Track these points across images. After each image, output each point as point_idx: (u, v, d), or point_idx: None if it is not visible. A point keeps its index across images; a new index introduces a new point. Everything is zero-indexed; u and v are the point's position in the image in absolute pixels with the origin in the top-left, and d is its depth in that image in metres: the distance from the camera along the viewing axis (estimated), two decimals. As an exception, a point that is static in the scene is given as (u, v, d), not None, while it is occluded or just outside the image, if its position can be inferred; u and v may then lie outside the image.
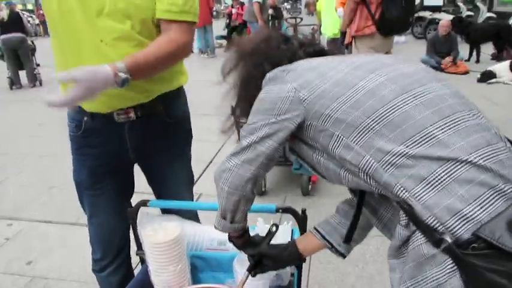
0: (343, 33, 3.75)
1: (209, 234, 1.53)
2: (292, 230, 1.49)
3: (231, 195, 1.13)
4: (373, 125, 0.96)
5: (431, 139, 0.91)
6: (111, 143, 1.59)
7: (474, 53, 8.88)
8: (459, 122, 0.93)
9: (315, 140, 1.06)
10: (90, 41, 1.42)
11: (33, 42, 8.59)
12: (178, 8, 1.45)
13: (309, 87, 1.05)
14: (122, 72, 1.29)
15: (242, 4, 12.83)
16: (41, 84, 8.63)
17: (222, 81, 1.28)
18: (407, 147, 0.91)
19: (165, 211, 1.67)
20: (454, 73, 7.45)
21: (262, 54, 1.22)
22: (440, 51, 7.87)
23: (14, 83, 8.52)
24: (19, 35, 8.16)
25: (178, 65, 1.61)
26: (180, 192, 1.75)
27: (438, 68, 7.65)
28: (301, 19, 7.46)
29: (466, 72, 7.46)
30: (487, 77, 6.91)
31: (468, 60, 8.60)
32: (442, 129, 0.92)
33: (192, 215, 1.72)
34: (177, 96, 1.67)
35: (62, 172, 4.01)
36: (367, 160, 0.95)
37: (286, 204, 1.46)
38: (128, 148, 1.60)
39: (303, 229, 1.40)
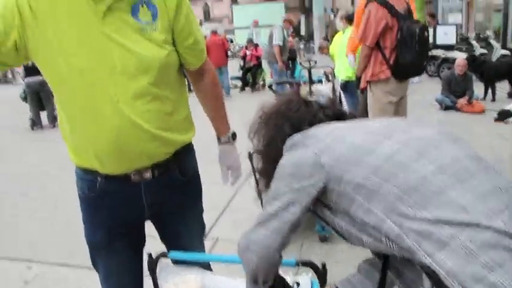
0: (358, 78, 3.79)
1: (229, 286, 1.54)
2: (311, 282, 1.49)
3: (261, 264, 1.14)
4: (393, 190, 0.97)
5: (450, 204, 0.92)
6: (126, 203, 1.58)
7: (490, 91, 8.87)
8: (477, 186, 0.94)
9: (337, 204, 1.08)
10: (104, 100, 1.40)
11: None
12: (203, 53, 1.64)
13: (329, 152, 1.08)
14: (230, 134, 1.71)
15: (256, 45, 13.06)
16: (60, 124, 8.81)
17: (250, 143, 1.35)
18: (428, 212, 0.92)
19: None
20: (470, 112, 7.44)
21: (283, 116, 1.27)
22: (456, 90, 7.88)
23: (35, 123, 8.75)
24: (41, 78, 8.38)
25: (189, 113, 1.66)
26: (192, 243, 1.75)
27: (453, 107, 7.66)
28: (315, 62, 7.57)
29: (482, 111, 7.44)
30: (504, 116, 6.88)
31: (484, 98, 8.58)
32: (461, 193, 0.92)
33: (204, 263, 1.73)
34: (189, 152, 1.69)
35: (80, 215, 4.06)
36: (389, 225, 0.96)
37: (303, 253, 1.46)
38: (144, 207, 1.60)
39: (323, 282, 1.40)
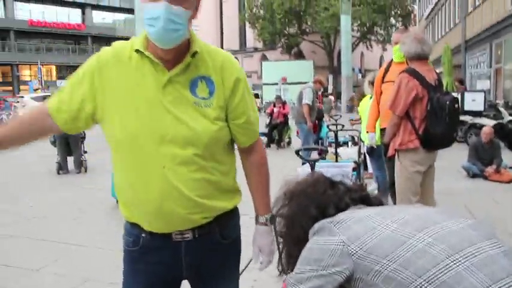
0: (386, 145, 3.76)
1: None
2: None
3: None
4: (425, 285, 0.96)
5: None
6: (167, 261, 1.62)
7: (518, 161, 8.68)
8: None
9: None
10: (153, 166, 1.50)
11: (83, 132, 9.05)
12: (254, 133, 1.68)
13: (358, 241, 1.08)
14: (268, 217, 1.68)
15: (284, 103, 13.22)
16: (86, 170, 8.98)
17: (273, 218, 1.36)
18: None
19: None
20: (498, 181, 7.27)
21: (308, 197, 1.29)
22: (483, 158, 7.75)
23: (62, 168, 8.90)
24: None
25: (235, 183, 1.71)
26: None
27: (481, 175, 7.50)
28: (343, 126, 7.62)
29: (510, 181, 7.26)
30: (532, 186, 6.70)
31: (512, 167, 8.40)
32: None
33: None
34: (232, 217, 1.72)
35: (97, 266, 4.03)
36: None
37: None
38: (183, 266, 1.63)
39: None
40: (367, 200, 1.31)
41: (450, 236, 1.02)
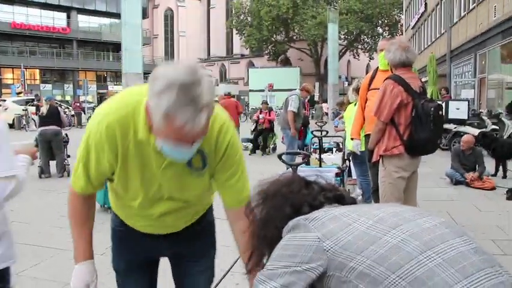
0: (371, 151, 3.78)
1: None
2: None
3: None
4: (398, 281, 0.97)
5: None
6: (151, 243, 1.86)
7: (501, 168, 8.80)
8: (483, 281, 0.94)
9: None
10: (151, 213, 1.74)
11: (67, 135, 8.98)
12: (244, 198, 1.68)
13: (333, 238, 1.08)
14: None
15: (270, 109, 13.25)
16: (68, 174, 8.86)
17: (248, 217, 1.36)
18: None
19: None
20: (481, 188, 7.35)
21: (283, 197, 1.29)
22: (465, 165, 7.84)
23: (44, 172, 8.79)
24: (54, 128, 8.67)
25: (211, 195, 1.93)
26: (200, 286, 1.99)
27: (463, 182, 7.58)
28: (327, 132, 7.67)
29: (492, 188, 7.34)
30: (514, 194, 6.77)
31: (495, 175, 8.51)
32: None
33: None
34: (209, 209, 1.98)
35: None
36: None
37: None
38: (166, 249, 1.90)
39: None
40: (341, 200, 1.31)
41: (423, 233, 1.04)
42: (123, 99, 1.59)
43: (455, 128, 11.77)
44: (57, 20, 46.05)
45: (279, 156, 3.32)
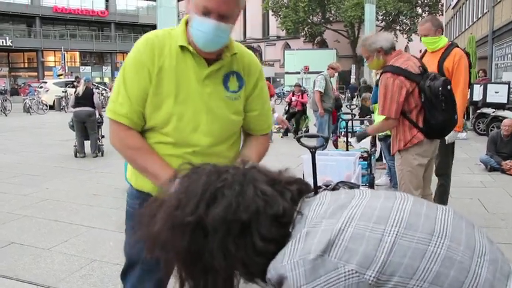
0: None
1: None
2: None
3: None
4: None
5: None
6: None
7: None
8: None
9: None
10: (183, 149, 1.70)
11: (101, 116, 9.20)
12: (268, 126, 1.92)
13: (373, 264, 0.85)
14: None
15: (303, 92, 13.12)
16: (102, 154, 9.15)
17: None
18: None
19: None
20: (517, 175, 7.10)
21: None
22: (502, 152, 7.57)
23: (79, 152, 9.05)
24: (88, 109, 8.93)
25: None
26: None
27: (498, 169, 7.32)
28: (354, 115, 7.56)
29: (530, 175, 7.08)
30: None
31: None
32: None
33: None
34: None
35: (105, 246, 4.11)
36: None
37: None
38: None
39: None
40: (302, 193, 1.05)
41: (456, 232, 0.92)
42: None
43: (494, 112, 11.36)
44: (96, 3, 46.81)
45: (298, 139, 3.28)
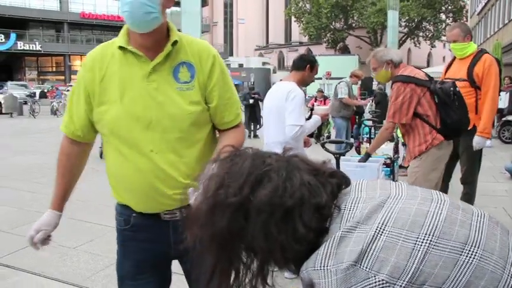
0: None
1: None
2: None
3: None
4: None
5: None
6: (156, 239, 1.71)
7: None
8: None
9: None
10: (141, 150, 1.60)
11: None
12: (235, 116, 1.72)
13: (403, 275, 0.85)
14: None
15: (326, 98, 13.08)
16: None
17: None
18: None
19: None
20: (543, 184, 6.97)
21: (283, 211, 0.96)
22: (528, 159, 7.45)
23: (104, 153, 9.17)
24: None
25: None
26: None
27: (525, 177, 7.20)
28: (376, 122, 7.54)
29: (556, 184, 6.95)
30: None
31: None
32: None
33: None
34: None
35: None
36: None
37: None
38: (171, 245, 1.70)
39: None
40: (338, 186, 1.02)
41: (488, 239, 0.90)
42: None
43: (520, 120, 11.17)
44: (121, 8, 47.61)
45: (322, 145, 3.32)
